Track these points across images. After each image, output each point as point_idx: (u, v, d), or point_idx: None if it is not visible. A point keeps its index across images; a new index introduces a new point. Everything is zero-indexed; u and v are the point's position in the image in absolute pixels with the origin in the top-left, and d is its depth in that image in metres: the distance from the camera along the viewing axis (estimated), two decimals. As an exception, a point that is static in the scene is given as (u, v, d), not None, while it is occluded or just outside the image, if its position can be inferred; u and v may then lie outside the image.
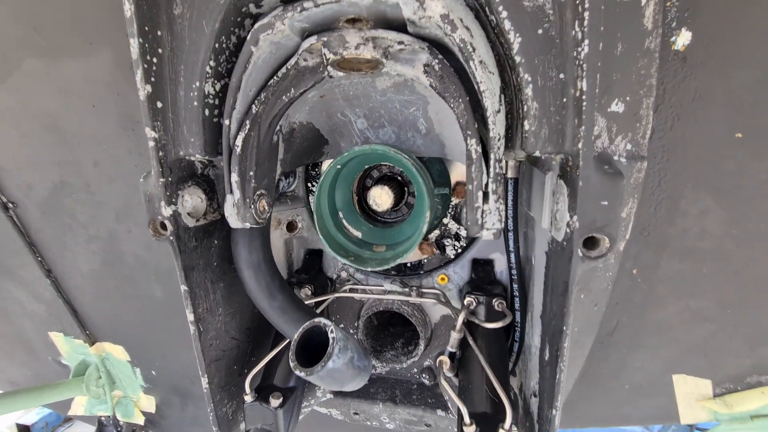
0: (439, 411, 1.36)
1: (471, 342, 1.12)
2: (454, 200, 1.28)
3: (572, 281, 0.75)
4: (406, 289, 1.33)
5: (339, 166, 1.07)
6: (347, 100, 1.10)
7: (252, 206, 0.92)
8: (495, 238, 0.81)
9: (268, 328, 1.36)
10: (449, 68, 0.81)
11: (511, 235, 1.14)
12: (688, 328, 1.11)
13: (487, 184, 0.77)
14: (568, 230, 0.74)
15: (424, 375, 1.44)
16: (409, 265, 1.40)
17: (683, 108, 0.87)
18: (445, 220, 1.31)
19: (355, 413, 1.47)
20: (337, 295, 1.35)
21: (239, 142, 0.89)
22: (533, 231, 1.11)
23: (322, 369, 0.74)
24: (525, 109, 0.73)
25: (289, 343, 1.24)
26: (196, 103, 0.89)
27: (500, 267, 1.29)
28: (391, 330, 1.53)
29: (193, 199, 1.01)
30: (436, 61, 0.81)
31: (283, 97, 0.94)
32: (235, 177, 0.90)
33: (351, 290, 1.39)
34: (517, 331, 1.19)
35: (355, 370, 0.81)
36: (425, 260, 1.38)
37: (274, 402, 1.10)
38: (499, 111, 0.75)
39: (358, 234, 1.21)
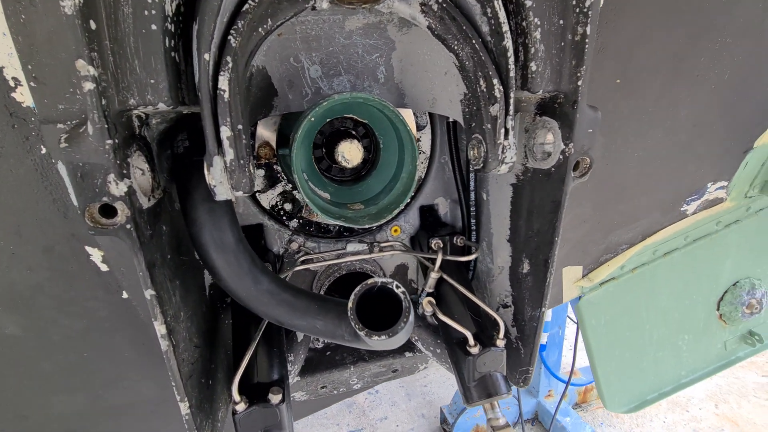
0: (407, 353, 1.44)
1: (446, 277, 1.22)
2: (403, 152, 1.31)
3: (564, 199, 0.93)
4: (366, 248, 1.31)
5: (313, 119, 0.94)
6: (306, 41, 0.97)
7: (247, 169, 0.74)
8: (509, 171, 0.91)
9: (216, 326, 1.13)
10: (454, 7, 0.82)
11: (472, 176, 1.27)
12: (574, 231, 1.51)
13: (506, 121, 0.84)
14: (561, 157, 0.90)
15: (383, 327, 1.49)
16: (360, 223, 1.37)
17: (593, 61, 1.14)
18: (395, 212, 1.33)
19: (323, 387, 1.40)
20: (297, 269, 1.22)
21: (224, 84, 0.68)
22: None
23: (404, 326, 0.71)
24: (532, 51, 0.83)
25: (270, 334, 1.08)
26: (154, 27, 0.62)
27: (443, 210, 1.41)
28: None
29: (137, 172, 0.73)
30: (436, -1, 0.81)
31: (260, 29, 0.76)
32: (226, 131, 0.69)
33: (306, 261, 1.27)
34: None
35: (413, 325, 0.80)
36: (376, 215, 1.38)
37: (275, 398, 0.96)
38: (512, 51, 0.82)
39: (327, 195, 1.11)
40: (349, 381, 1.42)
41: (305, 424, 5.10)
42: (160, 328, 0.75)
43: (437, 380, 5.86)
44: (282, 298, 0.94)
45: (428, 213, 1.39)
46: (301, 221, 1.30)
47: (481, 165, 0.90)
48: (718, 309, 1.89)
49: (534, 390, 5.02)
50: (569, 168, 0.90)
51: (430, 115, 1.30)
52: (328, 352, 1.43)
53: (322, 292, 1.32)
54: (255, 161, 1.20)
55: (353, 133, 1.19)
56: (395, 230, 1.38)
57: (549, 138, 0.95)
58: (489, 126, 0.85)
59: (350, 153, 1.08)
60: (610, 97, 1.24)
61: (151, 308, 0.73)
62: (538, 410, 5.02)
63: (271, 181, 1.24)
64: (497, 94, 0.82)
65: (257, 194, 1.23)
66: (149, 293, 0.72)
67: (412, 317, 0.73)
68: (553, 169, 0.94)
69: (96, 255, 1.00)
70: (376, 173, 1.18)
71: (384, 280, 0.75)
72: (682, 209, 1.62)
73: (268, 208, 1.25)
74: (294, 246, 1.29)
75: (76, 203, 0.65)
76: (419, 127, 1.31)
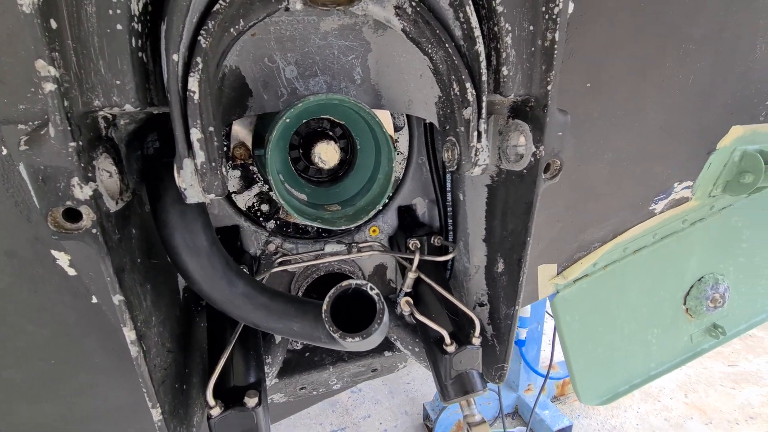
0: (386, 352, 1.45)
1: (424, 277, 1.24)
2: (381, 152, 1.31)
3: (536, 200, 0.95)
4: (345, 248, 1.32)
5: (288, 120, 0.94)
6: (280, 42, 0.96)
7: (219, 172, 0.73)
8: (482, 173, 0.92)
9: (190, 330, 1.12)
10: (427, 11, 0.83)
11: (448, 177, 1.28)
12: (548, 229, 1.54)
13: (479, 124, 0.86)
14: (533, 159, 0.93)
15: (362, 326, 1.49)
16: (338, 224, 1.37)
17: (564, 64, 1.17)
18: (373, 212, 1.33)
19: (302, 388, 1.40)
20: (274, 270, 1.21)
21: (194, 86, 0.67)
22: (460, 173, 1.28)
23: (378, 327, 0.71)
24: (504, 56, 0.84)
25: (246, 337, 1.07)
26: (120, 27, 0.61)
27: (421, 210, 1.42)
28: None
29: (103, 174, 0.71)
30: (410, 2, 0.81)
31: (231, 30, 0.75)
32: (197, 133, 0.68)
33: (283, 263, 1.26)
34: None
35: (387, 326, 0.81)
36: (354, 216, 1.38)
37: (251, 401, 0.95)
38: (485, 55, 0.84)
39: (303, 197, 1.11)
40: (329, 381, 1.42)
41: (288, 424, 5.06)
42: (129, 334, 0.74)
43: (420, 377, 5.91)
44: (258, 302, 0.94)
45: (406, 213, 1.40)
46: (278, 222, 1.29)
47: (455, 167, 0.91)
48: (684, 303, 1.97)
49: (514, 384, 5.13)
50: (540, 170, 0.92)
51: (408, 115, 1.31)
52: (307, 354, 1.43)
53: (300, 294, 1.32)
54: (230, 162, 1.18)
55: (330, 134, 1.19)
56: (373, 230, 1.38)
57: (521, 141, 0.97)
58: (462, 129, 0.87)
59: (327, 154, 1.08)
60: (581, 101, 1.28)
61: (119, 314, 0.72)
62: (518, 404, 5.13)
63: (247, 182, 1.23)
64: (470, 97, 0.83)
65: (233, 195, 1.22)
66: (117, 299, 0.71)
67: (386, 318, 0.74)
68: (525, 171, 0.96)
69: (63, 259, 0.97)
70: (353, 174, 1.19)
71: (358, 282, 0.75)
72: (650, 208, 1.68)
73: (244, 209, 1.24)
74: (271, 247, 1.28)
75: (38, 207, 0.63)
76: (397, 128, 1.31)
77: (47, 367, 1.12)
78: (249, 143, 1.18)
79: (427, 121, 1.24)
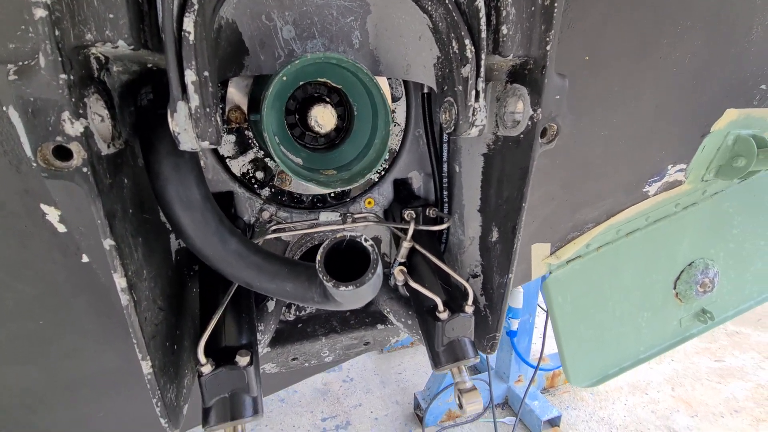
0: (378, 325, 1.45)
1: (418, 247, 1.24)
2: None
3: (532, 165, 0.95)
4: (339, 218, 1.31)
5: (285, 78, 0.93)
6: (278, -2, 0.95)
7: (214, 118, 0.72)
8: (479, 135, 0.92)
9: (182, 294, 1.11)
10: None
11: (445, 149, 1.28)
12: (543, 207, 1.55)
13: (477, 83, 0.85)
14: (530, 123, 0.92)
15: (355, 300, 1.49)
16: (332, 194, 1.36)
17: (561, 34, 1.17)
18: (369, 175, 1.32)
19: (294, 359, 1.39)
20: (268, 237, 1.20)
21: (189, 26, 0.66)
22: (455, 144, 1.28)
23: (372, 277, 0.71)
24: (504, 14, 0.84)
25: (239, 301, 1.06)
26: (114, -43, 0.60)
27: (416, 183, 1.42)
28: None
29: (95, 118, 0.70)
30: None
31: (228, -26, 0.74)
32: (191, 75, 0.67)
33: (278, 231, 1.26)
34: (444, 232, 1.38)
35: (380, 279, 0.80)
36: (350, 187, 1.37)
37: (243, 360, 0.95)
38: (484, 12, 0.83)
39: (299, 161, 1.10)
40: (321, 353, 1.42)
41: (279, 411, 5.07)
42: (120, 281, 0.73)
43: (411, 368, 5.94)
44: (251, 261, 0.93)
45: (402, 186, 1.40)
46: (273, 190, 1.28)
47: (453, 128, 0.91)
48: (674, 288, 1.99)
49: (504, 375, 5.17)
50: (537, 134, 0.92)
51: (406, 87, 1.30)
52: (300, 324, 1.43)
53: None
54: (225, 126, 1.17)
55: (327, 99, 1.18)
56: (369, 202, 1.38)
57: (519, 107, 0.97)
58: (460, 88, 0.86)
59: (323, 118, 1.07)
60: (579, 74, 1.28)
61: (110, 259, 0.71)
62: (509, 395, 5.18)
63: (242, 147, 1.22)
64: (469, 54, 0.83)
65: (228, 160, 1.21)
66: (108, 243, 0.70)
67: (380, 269, 0.74)
68: (521, 136, 0.96)
69: (53, 214, 0.96)
70: (349, 141, 1.18)
71: (352, 234, 0.75)
72: (644, 190, 1.69)
73: (239, 175, 1.23)
74: (266, 215, 1.27)
75: (27, 143, 0.61)
76: (394, 99, 1.31)
77: (34, 328, 1.11)
78: (245, 107, 1.17)
79: (425, 89, 1.23)
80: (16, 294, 1.04)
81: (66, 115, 0.60)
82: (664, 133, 1.54)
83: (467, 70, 0.84)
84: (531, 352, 5.16)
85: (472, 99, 0.86)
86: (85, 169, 0.64)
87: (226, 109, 1.15)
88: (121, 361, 1.28)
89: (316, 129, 1.08)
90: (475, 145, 1.16)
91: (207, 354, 0.94)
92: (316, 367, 1.56)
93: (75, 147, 0.63)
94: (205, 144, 0.74)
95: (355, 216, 1.33)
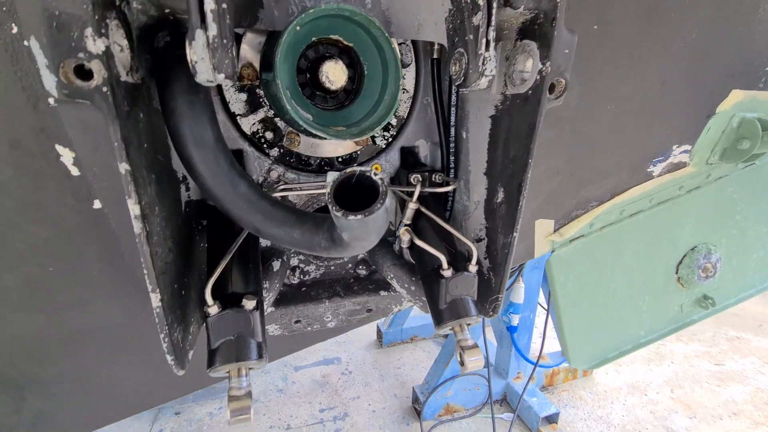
0: (381, 292, 1.46)
1: (424, 210, 1.25)
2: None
3: (539, 120, 0.96)
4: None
5: (299, 27, 0.94)
6: (294, -50, 0.97)
7: (230, 51, 0.74)
8: (488, 86, 0.94)
9: (190, 247, 1.12)
10: None
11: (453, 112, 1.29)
12: (548, 182, 1.56)
13: (488, 32, 0.87)
14: (538, 77, 0.94)
15: (360, 267, 1.50)
16: (340, 159, 1.38)
17: (570, 1, 1.18)
18: (378, 129, 1.34)
19: (296, 321, 1.41)
20: (276, 195, 1.22)
21: (210, -45, 0.68)
22: (463, 109, 1.29)
23: (381, 207, 0.72)
24: (515, -35, 0.85)
25: (246, 253, 1.08)
26: None
27: (423, 152, 1.43)
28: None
29: (115, 48, 0.71)
30: None
31: None
32: (210, 3, 0.69)
33: (285, 190, 1.27)
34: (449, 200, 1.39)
35: (389, 212, 0.81)
36: (357, 153, 1.39)
37: (249, 304, 0.96)
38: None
39: (309, 116, 1.11)
40: (324, 317, 1.43)
41: (277, 401, 5.07)
42: (133, 208, 0.74)
43: (410, 363, 5.94)
44: (260, 205, 0.95)
45: (408, 154, 1.41)
46: (282, 151, 1.29)
47: (462, 78, 0.93)
48: (676, 272, 2.00)
49: (503, 372, 5.16)
50: (545, 88, 0.93)
51: (415, 53, 1.32)
52: (303, 288, 1.44)
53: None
54: (238, 82, 1.19)
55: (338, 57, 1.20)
56: (376, 168, 1.39)
57: (528, 65, 0.99)
58: (471, 37, 0.88)
59: (334, 73, 1.09)
60: (587, 44, 1.29)
61: (125, 184, 0.72)
62: (507, 391, 5.17)
63: (253, 106, 1.23)
64: (480, 2, 0.84)
65: (238, 118, 1.22)
66: (124, 167, 0.71)
67: (388, 203, 0.75)
68: (530, 92, 0.98)
69: (67, 156, 0.97)
70: (358, 101, 1.19)
71: (362, 168, 0.76)
72: (648, 170, 1.70)
73: (249, 134, 1.25)
74: (273, 175, 1.28)
75: (49, 61, 0.63)
76: (403, 65, 1.32)
77: (43, 275, 1.12)
78: (257, 66, 1.19)
79: (435, 54, 1.24)
80: (27, 237, 1.05)
81: (89, 31, 0.62)
82: (669, 111, 1.55)
83: (478, 18, 0.86)
84: (531, 350, 5.15)
85: (483, 48, 0.87)
86: (104, 89, 0.66)
87: (239, 66, 1.17)
88: (127, 318, 1.30)
89: (327, 85, 1.09)
90: (483, 108, 1.17)
91: (214, 297, 0.95)
92: (318, 334, 1.57)
93: (96, 66, 0.64)
94: (221, 77, 0.75)
95: (362, 180, 1.34)
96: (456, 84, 0.99)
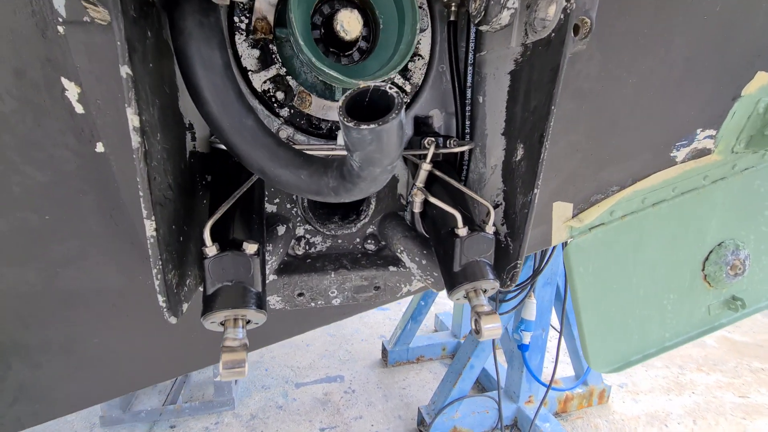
0: (390, 267, 1.38)
1: (438, 173, 1.19)
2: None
3: (563, 63, 0.92)
4: (357, 145, 1.28)
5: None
6: None
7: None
8: (510, 22, 0.89)
9: (193, 205, 1.07)
10: None
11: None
12: (567, 160, 1.50)
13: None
14: (562, 17, 0.90)
15: (368, 242, 1.43)
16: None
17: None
18: (391, 74, 1.31)
19: (300, 294, 1.33)
20: (284, 150, 1.17)
21: None
22: (480, 73, 1.25)
23: (396, 117, 0.67)
24: None
25: (251, 205, 1.02)
26: None
27: (437, 122, 1.39)
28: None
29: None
30: None
31: None
32: None
33: (294, 151, 1.22)
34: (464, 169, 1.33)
35: (404, 132, 0.75)
36: (369, 118, 1.34)
37: (250, 248, 0.89)
38: None
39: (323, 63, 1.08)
40: (328, 292, 1.35)
41: (276, 418, 4.86)
42: (132, 119, 0.70)
43: (416, 383, 5.70)
44: (266, 141, 0.90)
45: (422, 124, 1.37)
46: (292, 111, 1.26)
47: (483, 13, 0.89)
48: (703, 269, 1.88)
49: (514, 395, 4.90)
50: (569, 27, 0.89)
51: (432, 17, 1.30)
52: (309, 260, 1.37)
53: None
54: (251, 36, 1.17)
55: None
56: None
57: (551, 11, 0.95)
58: (493, -32, 0.84)
59: (349, 23, 1.07)
60: (609, 10, 1.26)
61: (125, 90, 0.68)
62: (518, 416, 4.88)
63: (265, 62, 1.21)
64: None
65: (250, 74, 1.20)
66: (125, 71, 0.67)
67: (404, 116, 0.69)
68: (553, 34, 0.93)
69: (72, 91, 0.95)
70: (373, 57, 1.17)
71: (377, 83, 0.71)
72: (671, 155, 1.63)
73: (259, 91, 1.22)
74: (283, 135, 1.24)
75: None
76: (419, 29, 1.30)
77: (39, 223, 1.07)
78: (271, 20, 1.17)
79: (452, 17, 1.22)
80: (24, 179, 1.01)
81: None
82: (693, 90, 1.50)
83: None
84: (543, 374, 4.91)
85: (504, -22, 0.84)
86: (111, -19, 0.63)
87: (253, 19, 1.15)
88: (123, 281, 1.23)
89: (342, 35, 1.07)
90: (502, 66, 1.13)
91: (214, 240, 0.89)
92: (323, 315, 1.48)
93: (104, -43, 0.62)
94: None
95: (374, 145, 1.30)
96: (475, 23, 0.96)
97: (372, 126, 0.66)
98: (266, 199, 1.29)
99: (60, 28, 0.87)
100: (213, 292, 0.88)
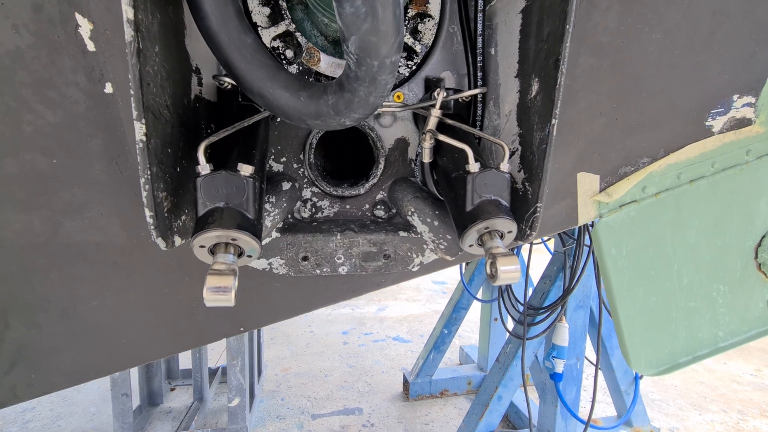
0: (400, 233, 1.29)
1: (449, 121, 1.13)
2: (412, 11, 1.29)
3: (576, -22, 0.87)
4: (366, 100, 1.25)
5: None
6: None
7: None
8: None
9: (194, 136, 1.05)
10: None
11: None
12: (589, 123, 1.41)
13: None
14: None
15: (378, 207, 1.36)
16: (361, 85, 1.31)
17: None
18: None
19: (304, 258, 1.25)
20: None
21: None
22: (491, 25, 1.22)
23: None
24: None
25: (253, 134, 1.00)
26: None
27: (449, 84, 1.35)
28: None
29: None
30: None
31: None
32: None
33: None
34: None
35: (401, 12, 0.70)
36: (379, 79, 1.32)
37: (245, 169, 0.85)
38: None
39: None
40: (334, 257, 1.27)
41: (288, 449, 4.57)
42: (126, 10, 0.69)
43: (440, 419, 5.30)
44: (266, 61, 0.88)
45: (434, 86, 1.33)
46: (301, 68, 1.26)
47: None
48: (756, 256, 1.68)
49: (548, 433, 4.44)
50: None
51: (441, -21, 1.30)
52: (314, 223, 1.30)
53: (312, 146, 1.24)
54: (262, -8, 1.19)
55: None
56: (398, 96, 1.31)
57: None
58: None
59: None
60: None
61: None
62: (553, 458, 4.39)
63: (275, 18, 1.23)
64: None
65: (259, 29, 1.21)
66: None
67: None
68: (565, -45, 0.90)
69: (85, 27, 0.97)
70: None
71: None
72: (707, 124, 1.51)
73: (269, 47, 1.23)
74: (290, 90, 1.23)
75: None
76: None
77: (47, 166, 1.08)
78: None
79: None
80: (36, 118, 1.03)
81: None
82: (725, 50, 1.41)
83: None
84: (580, 410, 4.45)
85: None
86: None
87: (264, -27, 1.18)
88: (126, 236, 1.21)
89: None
90: (513, 8, 1.10)
91: (209, 161, 0.85)
92: (331, 291, 1.39)
93: None
94: None
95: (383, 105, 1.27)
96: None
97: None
98: (272, 157, 1.27)
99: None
100: (204, 213, 0.83)
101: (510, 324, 4.56)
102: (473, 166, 0.96)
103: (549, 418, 4.45)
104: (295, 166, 1.29)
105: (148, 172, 0.77)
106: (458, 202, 1.00)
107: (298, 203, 1.31)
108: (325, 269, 1.28)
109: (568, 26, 0.89)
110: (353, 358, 6.69)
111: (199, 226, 0.81)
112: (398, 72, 1.34)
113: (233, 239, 0.82)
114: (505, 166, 0.98)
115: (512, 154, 1.11)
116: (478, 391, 5.72)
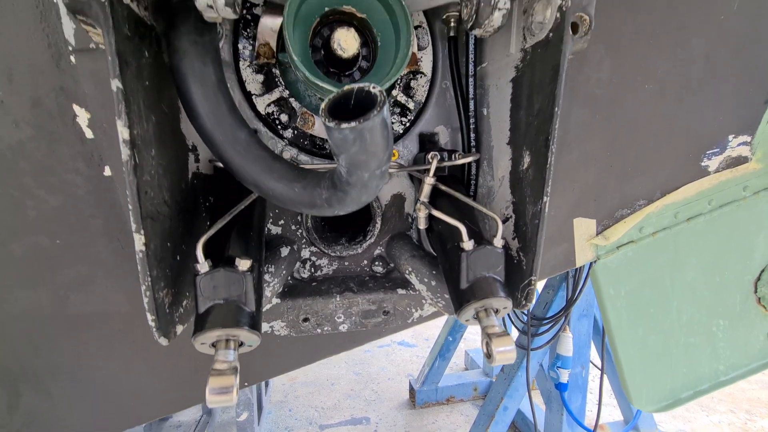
0: (399, 290, 1.31)
1: (443, 187, 1.15)
2: (405, 70, 1.30)
3: (563, 61, 0.88)
4: (361, 163, 1.26)
5: (308, -8, 0.96)
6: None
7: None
8: (502, 23, 0.87)
9: (193, 223, 1.07)
10: None
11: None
12: (583, 170, 1.41)
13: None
14: (558, 15, 0.87)
15: (376, 263, 1.38)
16: (356, 144, 1.33)
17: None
18: (393, 92, 1.31)
19: (305, 319, 1.27)
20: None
21: None
22: (483, 86, 1.23)
23: (377, 114, 0.64)
24: None
25: (249, 215, 1.01)
26: None
27: (443, 139, 1.36)
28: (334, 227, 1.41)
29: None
30: None
31: None
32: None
33: (297, 171, 1.22)
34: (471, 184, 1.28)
35: (389, 132, 0.72)
36: (373, 137, 1.33)
37: (243, 264, 0.86)
38: None
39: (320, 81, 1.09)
40: (335, 317, 1.29)
41: (298, 463, 4.63)
42: (122, 131, 0.71)
43: (447, 426, 5.34)
44: (260, 155, 0.89)
45: (428, 141, 1.35)
46: (295, 132, 1.27)
47: (474, 17, 0.87)
48: (755, 291, 1.68)
49: (555, 442, 4.47)
50: (567, 25, 0.86)
51: (432, 37, 1.31)
52: (314, 283, 1.32)
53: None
54: (255, 61, 1.21)
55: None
56: (393, 154, 1.32)
57: (547, 14, 0.93)
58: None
59: (346, 40, 1.08)
60: (615, 9, 1.22)
61: (115, 103, 0.70)
62: (560, 467, 4.42)
63: (269, 85, 1.24)
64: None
65: (254, 98, 1.23)
66: (115, 84, 0.69)
67: (386, 110, 0.67)
68: (551, 34, 0.90)
69: (83, 117, 0.99)
70: (372, 74, 1.17)
71: (359, 84, 0.70)
72: (702, 164, 1.51)
73: (263, 114, 1.24)
74: (286, 156, 1.25)
75: (66, 11, 0.65)
76: (420, 48, 1.31)
77: (51, 246, 1.10)
78: (273, 46, 1.22)
79: (451, 32, 1.22)
80: (38, 203, 1.05)
81: None
82: (719, 93, 1.41)
83: (487, -49, 0.82)
84: (587, 418, 4.47)
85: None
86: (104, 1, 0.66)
87: (256, 45, 1.20)
88: (130, 306, 1.23)
89: (339, 53, 1.08)
90: (503, 76, 1.11)
91: (207, 257, 0.87)
92: (331, 344, 1.42)
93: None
94: (228, 12, 0.75)
95: (378, 163, 1.28)
96: (468, 27, 0.94)
97: (353, 124, 0.63)
98: (270, 220, 1.28)
99: (72, 58, 0.92)
100: (204, 310, 0.85)
101: (514, 334, 4.57)
102: (467, 244, 0.97)
103: (555, 426, 4.47)
104: (293, 228, 1.30)
105: (149, 279, 0.79)
106: (454, 276, 1.02)
107: (297, 264, 1.32)
108: (326, 328, 1.30)
109: (556, 108, 0.90)
110: (359, 365, 6.73)
111: (199, 326, 0.83)
112: (392, 130, 1.35)
113: (233, 335, 0.84)
114: (498, 241, 0.99)
115: (506, 220, 1.12)
116: (484, 398, 5.75)
